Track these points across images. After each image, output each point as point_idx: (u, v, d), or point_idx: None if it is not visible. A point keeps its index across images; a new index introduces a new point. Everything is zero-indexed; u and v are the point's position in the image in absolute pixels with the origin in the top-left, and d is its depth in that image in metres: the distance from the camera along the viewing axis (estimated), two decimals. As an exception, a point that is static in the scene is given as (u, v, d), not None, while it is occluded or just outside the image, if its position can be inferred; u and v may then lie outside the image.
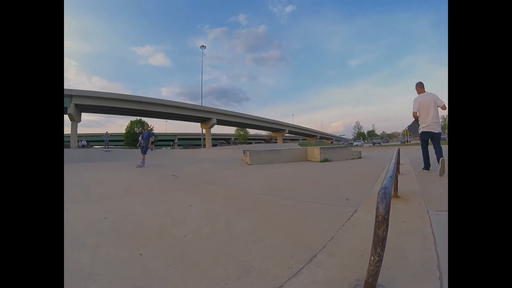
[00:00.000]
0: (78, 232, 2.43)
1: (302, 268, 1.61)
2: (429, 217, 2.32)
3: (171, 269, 1.68)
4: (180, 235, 2.29)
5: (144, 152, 10.55)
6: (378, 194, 1.19)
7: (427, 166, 5.17)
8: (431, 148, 5.01)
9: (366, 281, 1.32)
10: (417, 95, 5.18)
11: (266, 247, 1.97)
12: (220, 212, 3.04)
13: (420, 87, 5.17)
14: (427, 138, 5.12)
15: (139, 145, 10.84)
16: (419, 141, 5.41)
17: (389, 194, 1.19)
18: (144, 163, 10.23)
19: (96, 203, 3.70)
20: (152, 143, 11.08)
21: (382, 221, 1.15)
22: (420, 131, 5.15)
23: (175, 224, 2.65)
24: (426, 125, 4.99)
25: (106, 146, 25.94)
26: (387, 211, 1.15)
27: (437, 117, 4.95)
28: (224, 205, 3.38)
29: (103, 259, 1.87)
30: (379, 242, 1.18)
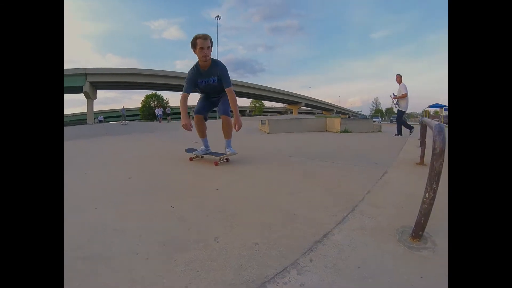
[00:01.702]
0: (103, 192, 2.31)
1: (346, 216, 1.58)
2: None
3: (209, 219, 1.60)
4: (212, 188, 2.25)
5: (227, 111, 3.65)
6: (434, 128, 1.21)
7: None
8: None
9: (418, 222, 1.30)
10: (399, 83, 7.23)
11: (305, 198, 1.94)
12: (250, 169, 2.99)
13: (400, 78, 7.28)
14: None
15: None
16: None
17: (444, 129, 1.19)
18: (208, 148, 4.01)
19: (119, 166, 3.63)
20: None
21: (440, 154, 1.14)
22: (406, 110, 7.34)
23: (204, 179, 2.63)
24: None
25: (123, 121, 26.29)
26: (444, 144, 1.14)
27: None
28: (252, 164, 3.31)
29: (130, 214, 1.73)
30: (435, 176, 1.16)
